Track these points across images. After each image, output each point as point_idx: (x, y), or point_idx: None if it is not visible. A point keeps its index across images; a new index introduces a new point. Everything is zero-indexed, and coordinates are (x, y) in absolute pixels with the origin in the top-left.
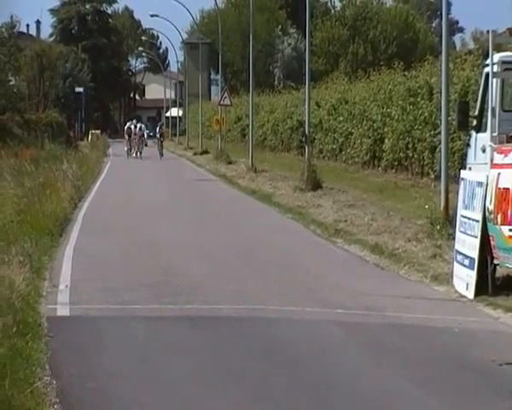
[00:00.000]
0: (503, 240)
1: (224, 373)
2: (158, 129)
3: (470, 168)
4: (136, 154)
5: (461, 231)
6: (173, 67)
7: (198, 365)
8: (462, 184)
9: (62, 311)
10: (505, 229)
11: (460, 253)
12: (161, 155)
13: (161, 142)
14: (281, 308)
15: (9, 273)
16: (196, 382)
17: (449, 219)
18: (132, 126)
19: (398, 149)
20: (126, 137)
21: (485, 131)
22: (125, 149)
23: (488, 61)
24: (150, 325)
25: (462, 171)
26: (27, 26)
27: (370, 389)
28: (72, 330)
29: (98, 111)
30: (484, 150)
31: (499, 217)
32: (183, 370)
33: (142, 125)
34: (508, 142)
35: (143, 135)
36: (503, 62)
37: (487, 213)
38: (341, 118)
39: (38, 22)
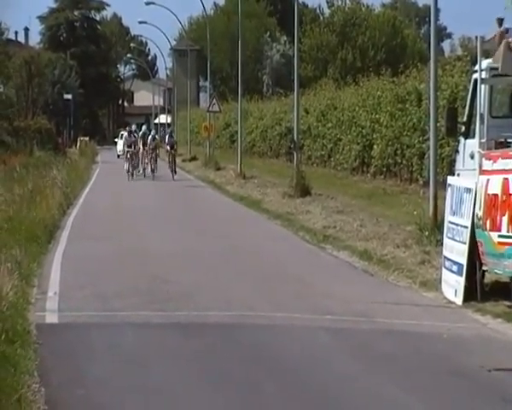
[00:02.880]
0: (492, 246)
1: (214, 380)
2: (167, 137)
3: (459, 174)
4: (145, 171)
5: (448, 237)
6: (162, 74)
7: (188, 372)
8: (449, 190)
9: (51, 318)
10: (494, 235)
11: (448, 259)
12: (174, 172)
13: (173, 155)
14: (270, 315)
15: None
16: (186, 389)
17: (437, 225)
18: (146, 134)
19: (386, 155)
20: (126, 148)
21: (473, 137)
22: (125, 167)
23: (477, 68)
24: (140, 331)
25: (449, 177)
26: (16, 33)
27: (360, 396)
28: (61, 338)
29: (87, 118)
30: (472, 157)
31: (488, 223)
32: (173, 377)
33: (156, 133)
34: (496, 148)
35: (157, 146)
36: (492, 69)
37: (476, 220)
38: (330, 124)
39: (27, 29)
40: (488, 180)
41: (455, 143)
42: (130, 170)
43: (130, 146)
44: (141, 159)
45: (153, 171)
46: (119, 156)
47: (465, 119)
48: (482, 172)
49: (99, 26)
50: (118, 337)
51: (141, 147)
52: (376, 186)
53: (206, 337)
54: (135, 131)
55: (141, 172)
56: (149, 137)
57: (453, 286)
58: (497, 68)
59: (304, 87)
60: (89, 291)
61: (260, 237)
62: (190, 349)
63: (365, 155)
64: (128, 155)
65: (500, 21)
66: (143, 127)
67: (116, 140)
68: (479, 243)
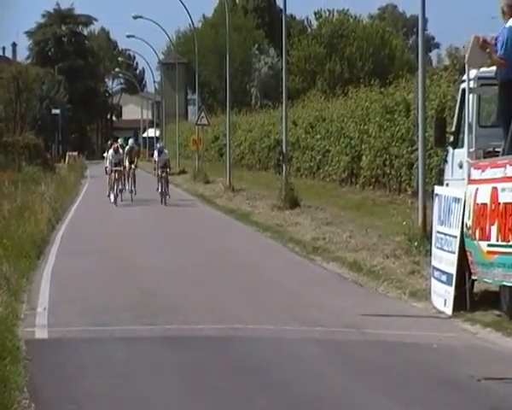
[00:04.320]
0: (482, 255)
1: (206, 394)
2: (157, 154)
3: (447, 184)
4: (132, 194)
5: (437, 247)
6: (150, 88)
7: (179, 385)
8: (436, 200)
9: (41, 334)
10: (483, 244)
11: (437, 269)
12: (166, 196)
13: (165, 176)
14: (260, 327)
15: None
16: (177, 402)
17: (426, 235)
18: (133, 149)
19: (375, 165)
20: (112, 166)
21: (462, 146)
22: (109, 189)
23: (465, 77)
24: (130, 346)
25: (436, 187)
26: (3, 48)
27: (351, 407)
28: (50, 353)
29: (75, 133)
30: (461, 166)
31: (477, 232)
32: (164, 391)
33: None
34: (485, 157)
35: (168, 163)
36: (480, 78)
37: (465, 229)
38: (319, 136)
39: (14, 45)
40: (477, 189)
41: (443, 153)
42: (118, 193)
43: (117, 164)
44: (126, 178)
45: (164, 193)
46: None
47: (453, 128)
48: (471, 181)
49: (87, 41)
50: (108, 352)
51: (127, 164)
52: (365, 197)
53: (196, 351)
54: (121, 145)
55: (118, 192)
56: (155, 152)
57: (442, 296)
58: (485, 78)
59: (292, 99)
60: (78, 306)
61: (250, 249)
62: (181, 363)
63: (354, 166)
64: (116, 175)
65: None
66: (130, 141)
67: (104, 155)
68: (468, 253)
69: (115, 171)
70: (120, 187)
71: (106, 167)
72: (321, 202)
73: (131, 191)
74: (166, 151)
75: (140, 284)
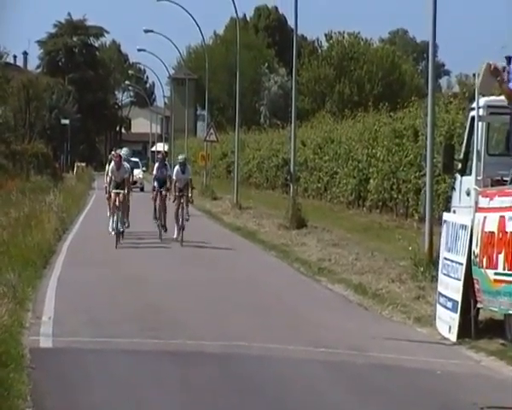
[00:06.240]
0: (489, 284)
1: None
2: (176, 171)
3: (455, 211)
4: (124, 226)
5: (444, 274)
6: (159, 102)
7: (181, 400)
8: (444, 226)
9: (45, 343)
10: (490, 272)
11: (443, 295)
12: (182, 229)
13: (184, 203)
14: (264, 346)
15: None
16: None
17: (433, 261)
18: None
19: (382, 189)
20: (112, 188)
21: (470, 174)
22: (110, 224)
23: (474, 105)
24: (134, 358)
25: (444, 213)
26: (14, 57)
27: None
28: (54, 363)
29: (84, 143)
30: (468, 194)
31: (485, 260)
32: (167, 404)
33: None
34: (492, 185)
35: (190, 184)
36: (489, 106)
37: (473, 257)
38: (327, 157)
39: (26, 53)
40: (485, 218)
41: (451, 180)
42: (120, 228)
43: (120, 185)
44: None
45: (181, 228)
46: None
47: (462, 156)
48: (479, 209)
49: (97, 53)
50: (112, 364)
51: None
52: (372, 220)
53: (200, 367)
54: (125, 159)
55: (119, 227)
56: (175, 168)
57: (447, 322)
58: (494, 106)
59: (301, 120)
60: (83, 317)
61: (255, 267)
62: (185, 378)
63: (361, 189)
64: (119, 200)
65: (509, 59)
66: (124, 150)
67: (107, 167)
68: (475, 281)
69: (116, 194)
70: (126, 224)
71: (106, 187)
72: (327, 224)
73: (125, 223)
74: (190, 167)
75: (145, 297)
